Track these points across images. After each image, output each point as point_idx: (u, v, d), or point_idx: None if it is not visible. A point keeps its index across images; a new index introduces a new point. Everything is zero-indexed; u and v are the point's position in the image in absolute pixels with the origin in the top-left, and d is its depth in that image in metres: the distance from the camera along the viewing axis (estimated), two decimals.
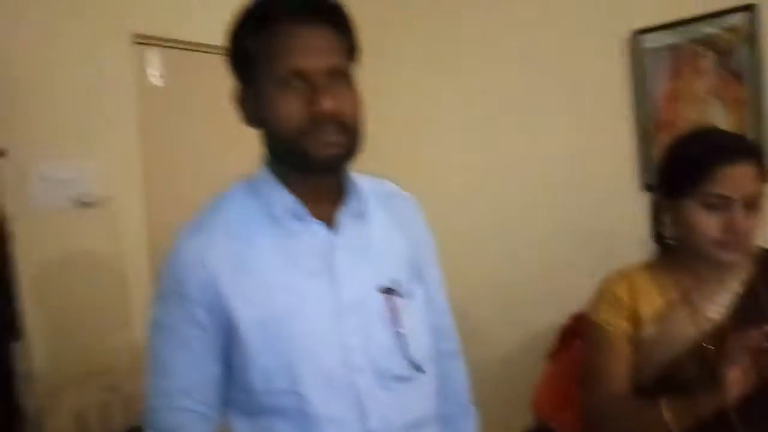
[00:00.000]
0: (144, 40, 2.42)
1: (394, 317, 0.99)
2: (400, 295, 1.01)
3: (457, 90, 2.71)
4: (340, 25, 0.95)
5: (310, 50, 0.90)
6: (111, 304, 2.40)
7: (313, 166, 0.93)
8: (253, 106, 0.96)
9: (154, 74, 2.44)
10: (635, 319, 1.27)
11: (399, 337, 0.99)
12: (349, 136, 0.94)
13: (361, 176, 1.06)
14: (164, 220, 2.53)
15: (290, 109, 0.90)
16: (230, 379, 0.98)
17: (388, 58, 2.76)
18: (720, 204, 1.16)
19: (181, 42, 2.53)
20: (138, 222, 2.46)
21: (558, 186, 2.46)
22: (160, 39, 2.47)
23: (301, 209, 0.98)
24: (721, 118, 2.06)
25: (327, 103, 0.89)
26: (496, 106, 2.61)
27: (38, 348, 2.00)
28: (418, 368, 1.00)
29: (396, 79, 2.83)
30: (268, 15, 0.91)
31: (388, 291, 1.00)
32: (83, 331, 2.29)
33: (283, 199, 0.98)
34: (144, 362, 2.45)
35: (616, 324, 1.27)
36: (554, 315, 2.10)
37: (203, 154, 2.68)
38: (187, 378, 0.96)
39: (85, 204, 2.26)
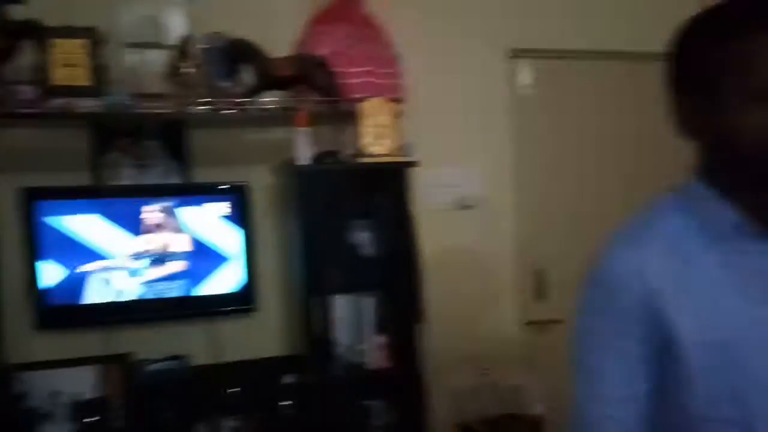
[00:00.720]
0: (518, 54, 2.59)
1: None
2: None
3: None
4: None
5: None
6: (483, 297, 2.64)
7: None
8: (707, 117, 0.92)
9: (525, 84, 2.60)
10: None
11: None
12: None
13: None
14: (531, 222, 2.67)
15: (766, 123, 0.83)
16: (659, 399, 0.96)
17: None
18: None
19: (552, 51, 2.63)
20: (508, 223, 2.65)
21: None
22: (533, 51, 2.61)
23: (756, 227, 0.89)
24: None
25: None
26: None
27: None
28: None
29: None
30: (739, 23, 0.85)
31: None
32: (460, 318, 2.57)
33: (728, 215, 0.91)
34: (513, 356, 2.67)
35: None
36: None
37: (569, 159, 2.72)
38: (618, 391, 0.97)
39: (465, 206, 2.54)
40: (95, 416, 1.98)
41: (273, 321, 2.41)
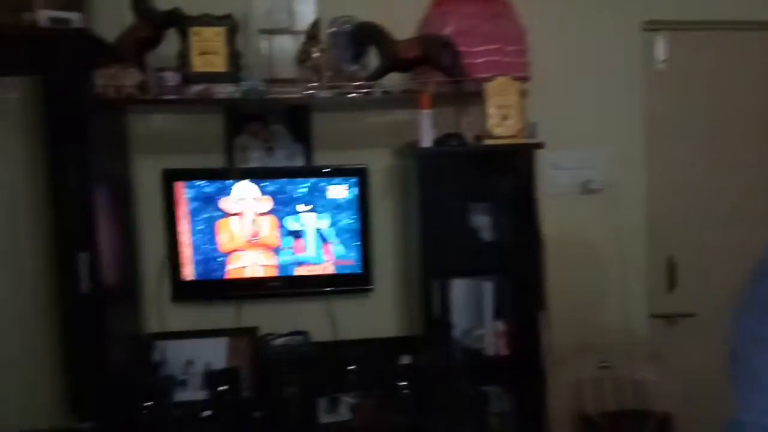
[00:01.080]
0: (652, 26, 2.41)
1: None
2: None
3: None
4: None
5: None
6: (607, 286, 2.52)
7: None
8: None
9: (660, 59, 2.41)
10: None
11: None
12: None
13: None
14: (662, 208, 2.50)
15: None
16: None
17: None
18: None
19: (690, 23, 2.42)
20: (637, 208, 2.50)
21: None
22: (669, 23, 2.42)
23: None
24: None
25: None
26: None
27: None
28: None
29: None
30: None
31: None
32: (582, 308, 2.47)
33: None
34: (638, 350, 2.53)
35: None
36: None
37: (706, 140, 2.52)
38: None
39: (591, 190, 2.42)
40: (225, 385, 2.09)
41: (388, 302, 2.44)
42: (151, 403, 2.00)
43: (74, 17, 1.86)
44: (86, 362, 1.91)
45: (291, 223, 2.25)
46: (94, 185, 1.87)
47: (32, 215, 2.10)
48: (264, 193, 2.24)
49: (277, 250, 2.26)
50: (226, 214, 2.23)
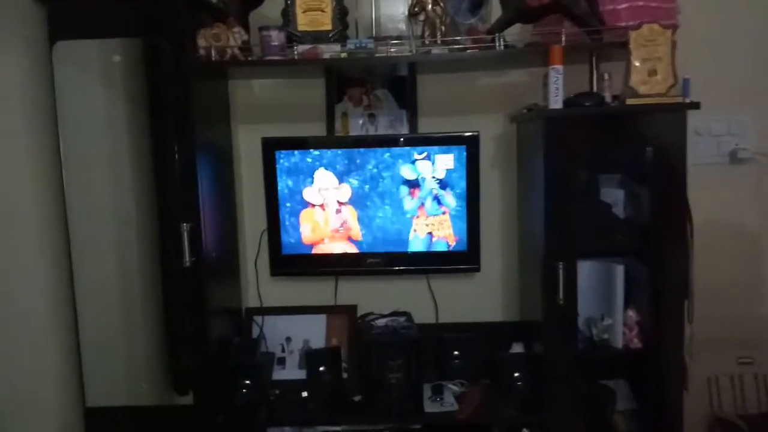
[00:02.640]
0: None
1: None
2: None
3: None
4: None
5: None
6: (755, 273, 2.23)
7: None
8: None
9: None
10: None
11: None
12: None
13: None
14: None
15: None
16: None
17: None
18: None
19: None
20: None
21: None
22: None
23: None
24: None
25: None
26: None
27: None
28: None
29: None
30: None
31: None
32: (724, 297, 2.19)
33: None
34: None
35: None
36: None
37: None
38: None
39: (741, 160, 2.11)
40: (325, 366, 1.98)
41: (495, 283, 2.28)
42: (250, 382, 1.91)
43: None
44: (187, 338, 1.85)
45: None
46: (196, 155, 1.78)
47: (137, 185, 2.04)
48: (368, 162, 2.07)
49: (375, 223, 2.11)
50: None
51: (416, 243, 2.12)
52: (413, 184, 2.08)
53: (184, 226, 1.76)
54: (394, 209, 2.10)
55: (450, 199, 2.09)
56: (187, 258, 1.76)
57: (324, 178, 2.08)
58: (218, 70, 2.01)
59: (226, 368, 1.95)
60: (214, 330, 1.90)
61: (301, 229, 2.12)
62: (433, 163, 2.07)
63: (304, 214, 2.11)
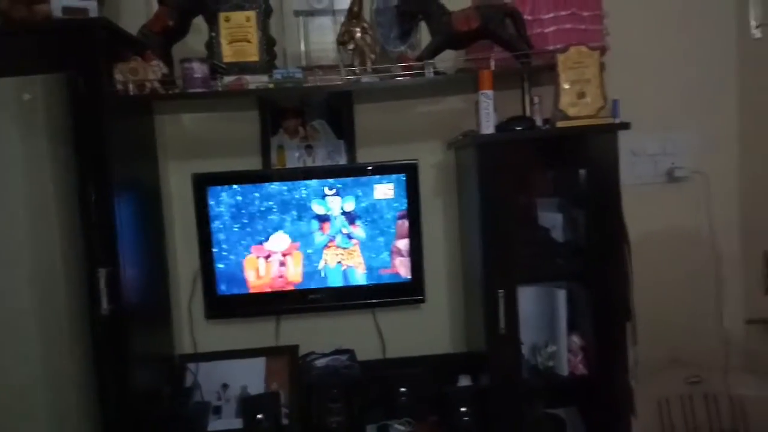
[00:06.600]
0: None
1: None
2: None
3: None
4: None
5: None
6: (697, 289, 2.23)
7: None
8: None
9: (755, 23, 2.09)
10: None
11: None
12: None
13: None
14: (760, 199, 2.18)
15: None
16: None
17: None
18: None
19: None
20: (730, 200, 2.22)
21: None
22: None
23: None
24: None
25: None
26: None
27: None
28: None
29: None
30: None
31: None
32: (667, 315, 2.19)
33: None
34: (732, 360, 2.21)
35: None
36: None
37: None
38: None
39: (677, 179, 2.13)
40: (263, 413, 1.86)
41: (442, 314, 2.21)
42: None
43: (91, 6, 1.68)
44: (111, 389, 1.71)
45: (334, 227, 2.02)
46: (113, 194, 1.67)
47: (58, 228, 1.90)
48: (304, 195, 2.00)
49: (316, 258, 2.03)
50: (263, 220, 2.01)
51: (334, 275, 2.04)
52: (323, 219, 2.02)
53: (101, 271, 1.64)
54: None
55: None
56: (105, 305, 1.63)
57: (263, 213, 2.00)
58: (142, 105, 1.92)
59: (157, 420, 1.81)
60: (141, 380, 1.76)
61: (245, 275, 2.01)
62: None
63: (247, 261, 2.01)
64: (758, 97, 2.17)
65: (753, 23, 2.06)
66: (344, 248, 2.03)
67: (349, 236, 2.03)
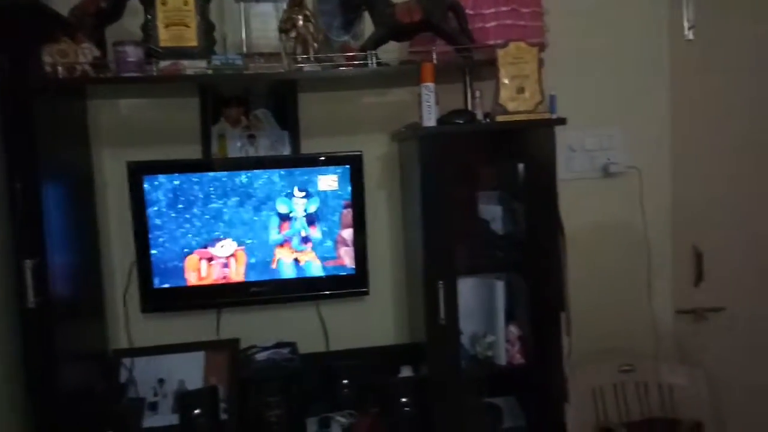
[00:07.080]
0: None
1: None
2: None
3: None
4: None
5: None
6: (629, 281, 2.31)
7: None
8: None
9: (687, 25, 2.17)
10: None
11: None
12: None
13: None
14: (690, 195, 2.29)
15: None
16: None
17: None
18: None
19: None
20: (662, 195, 2.30)
21: None
22: None
23: None
24: None
25: None
26: None
27: None
28: None
29: None
30: None
31: None
32: (601, 306, 2.26)
33: None
34: (663, 350, 2.31)
35: None
36: None
37: (739, 120, 2.32)
38: None
39: (610, 174, 2.20)
40: (200, 408, 1.83)
41: (386, 306, 2.22)
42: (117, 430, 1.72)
43: None
44: (40, 386, 1.63)
45: (277, 219, 1.99)
46: (42, 181, 1.59)
47: None
48: (246, 185, 1.96)
49: (257, 250, 1.99)
50: (202, 211, 1.96)
51: (287, 269, 2.02)
52: (284, 218, 1.99)
53: (27, 263, 1.56)
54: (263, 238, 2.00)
55: (316, 233, 2.01)
56: (31, 298, 1.56)
57: (202, 204, 1.95)
58: (74, 90, 1.84)
59: (89, 418, 1.74)
60: (71, 376, 1.70)
61: (184, 269, 1.96)
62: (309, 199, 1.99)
63: (188, 261, 1.96)
64: (690, 96, 2.26)
65: (686, 24, 2.15)
66: (299, 251, 2.01)
67: (306, 239, 2.00)
